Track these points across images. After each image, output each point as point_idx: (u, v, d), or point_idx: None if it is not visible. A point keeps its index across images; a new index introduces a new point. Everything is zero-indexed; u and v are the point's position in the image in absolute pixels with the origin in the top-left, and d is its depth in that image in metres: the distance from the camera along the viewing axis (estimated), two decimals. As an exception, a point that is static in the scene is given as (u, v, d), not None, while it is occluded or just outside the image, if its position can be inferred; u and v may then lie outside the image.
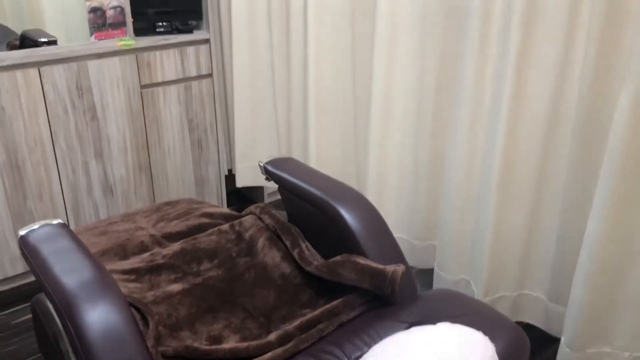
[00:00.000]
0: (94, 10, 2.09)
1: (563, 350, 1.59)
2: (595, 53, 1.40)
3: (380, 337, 1.17)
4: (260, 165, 1.66)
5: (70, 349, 1.13)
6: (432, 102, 1.92)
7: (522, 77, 1.57)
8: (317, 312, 1.26)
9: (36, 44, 2.03)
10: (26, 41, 2.04)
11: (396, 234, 2.18)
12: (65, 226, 1.30)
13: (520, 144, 1.66)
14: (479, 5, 1.61)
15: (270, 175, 1.63)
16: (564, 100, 1.57)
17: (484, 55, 1.66)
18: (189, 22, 2.33)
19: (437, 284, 2.04)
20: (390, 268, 1.26)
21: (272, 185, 2.62)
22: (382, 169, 2.11)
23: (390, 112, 2.03)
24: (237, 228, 1.59)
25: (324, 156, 2.34)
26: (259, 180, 2.64)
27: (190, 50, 2.28)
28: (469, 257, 1.92)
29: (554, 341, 1.82)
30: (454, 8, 1.78)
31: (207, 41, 2.31)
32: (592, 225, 1.43)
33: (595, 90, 1.44)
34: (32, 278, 2.21)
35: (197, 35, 2.29)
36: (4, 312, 2.04)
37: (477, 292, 1.84)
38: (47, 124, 2.03)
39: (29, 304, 2.08)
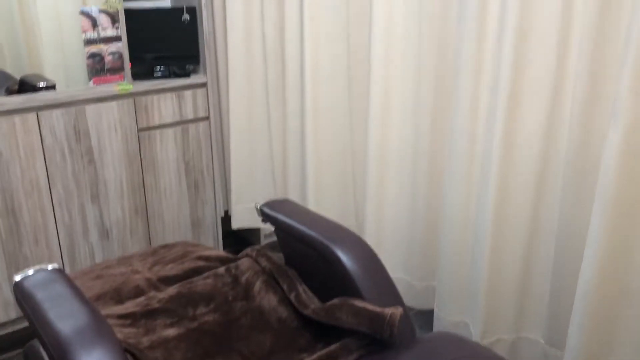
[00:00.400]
0: (92, 55, 2.13)
1: (564, 393, 1.57)
2: (584, 95, 1.43)
3: (379, 382, 1.15)
4: (256, 208, 1.66)
5: (63, 398, 1.11)
6: (427, 149, 1.94)
7: (512, 120, 1.60)
8: (314, 356, 1.24)
9: (35, 88, 2.05)
10: (25, 86, 2.07)
11: (395, 275, 2.17)
12: (60, 271, 1.29)
13: (512, 188, 1.67)
14: (468, 62, 1.65)
15: (266, 218, 1.63)
16: (554, 144, 1.59)
17: (475, 101, 1.70)
18: (187, 66, 2.37)
19: (437, 326, 2.02)
20: (388, 311, 1.25)
21: (268, 227, 2.62)
22: (380, 209, 2.11)
23: (387, 154, 2.05)
24: (233, 271, 1.58)
25: (322, 197, 2.35)
26: (255, 221, 2.64)
27: (188, 93, 2.31)
28: (468, 299, 1.91)
29: (555, 384, 1.79)
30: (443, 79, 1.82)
31: (204, 85, 2.34)
32: (585, 269, 1.43)
33: (584, 131, 1.46)
34: (26, 324, 2.18)
35: (194, 79, 2.33)
36: (-5, 359, 2.01)
37: (475, 334, 1.82)
38: (44, 168, 2.04)
39: (22, 350, 2.05)
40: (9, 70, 2.09)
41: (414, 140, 1.98)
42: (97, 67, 2.14)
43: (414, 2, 1.86)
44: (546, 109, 1.57)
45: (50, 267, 1.29)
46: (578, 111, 1.47)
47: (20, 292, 1.22)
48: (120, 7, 2.12)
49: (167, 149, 2.32)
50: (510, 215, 1.70)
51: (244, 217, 2.64)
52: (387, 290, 1.37)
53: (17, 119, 1.95)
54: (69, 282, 1.24)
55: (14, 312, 2.08)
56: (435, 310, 2.01)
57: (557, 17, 1.48)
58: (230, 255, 1.69)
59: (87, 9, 2.09)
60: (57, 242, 2.12)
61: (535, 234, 1.70)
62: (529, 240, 1.71)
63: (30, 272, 1.27)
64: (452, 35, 1.78)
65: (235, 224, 2.64)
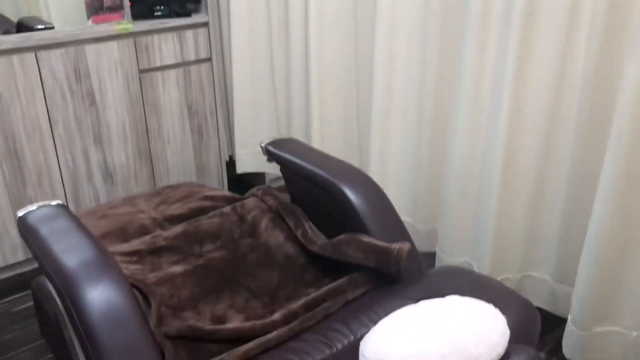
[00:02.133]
0: (90, -7, 2.06)
1: (570, 329, 1.57)
2: (601, 31, 1.37)
3: (386, 314, 1.15)
4: (261, 146, 1.64)
5: (71, 330, 1.11)
6: (435, 84, 1.90)
7: (525, 52, 1.55)
8: (321, 291, 1.24)
9: (32, 30, 2.00)
10: (23, 29, 2.02)
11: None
12: (64, 207, 1.28)
13: (524, 123, 1.63)
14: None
15: (272, 156, 1.61)
16: (568, 81, 1.54)
17: (485, 36, 1.64)
18: (187, 5, 2.30)
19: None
20: (395, 246, 1.24)
21: (273, 171, 2.60)
22: (384, 152, 2.09)
23: (392, 94, 2.01)
24: (239, 210, 1.57)
25: (326, 140, 2.32)
26: (260, 166, 2.62)
27: (189, 34, 2.25)
28: (472, 240, 1.90)
29: (559, 323, 1.80)
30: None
31: (205, 24, 2.28)
32: (598, 206, 1.41)
33: (601, 66, 1.41)
34: (33, 265, 2.19)
35: (195, 18, 2.26)
36: (5, 300, 2.03)
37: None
38: (45, 109, 2.01)
39: (30, 291, 2.07)
40: (6, 13, 2.04)
41: (419, 79, 1.94)
42: (96, 5, 2.08)
43: None
44: (561, 42, 1.52)
45: (54, 202, 1.28)
46: (595, 46, 1.41)
47: (24, 227, 1.21)
48: (117, -58, 2.04)
49: (169, 91, 2.27)
50: (520, 154, 1.67)
51: (248, 162, 2.62)
52: (395, 227, 1.36)
53: (15, 59, 1.91)
54: (73, 217, 1.23)
55: (21, 254, 2.09)
56: (438, 252, 2.01)
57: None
58: (236, 195, 1.68)
59: (83, -56, 2.01)
60: (61, 184, 2.11)
61: (546, 174, 1.67)
62: (540, 180, 1.69)
63: (34, 207, 1.26)
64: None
65: (240, 169, 2.62)
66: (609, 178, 1.37)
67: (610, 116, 1.44)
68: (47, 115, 2.01)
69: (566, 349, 1.61)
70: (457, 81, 1.75)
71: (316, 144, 2.28)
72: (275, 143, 1.62)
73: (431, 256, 2.16)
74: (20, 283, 2.12)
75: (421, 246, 2.18)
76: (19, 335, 1.85)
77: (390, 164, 2.11)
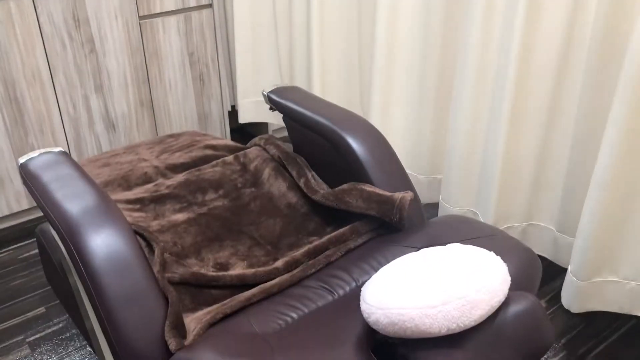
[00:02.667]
0: None
1: (570, 279, 1.59)
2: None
3: (388, 262, 1.16)
4: (264, 94, 1.61)
5: (76, 276, 1.12)
6: (440, 27, 1.85)
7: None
8: (324, 239, 1.24)
9: (29, -28, 1.95)
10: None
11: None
12: (65, 154, 1.27)
13: (532, 71, 1.60)
14: None
15: (274, 105, 1.59)
16: (580, 20, 1.50)
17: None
18: (187, -51, 2.23)
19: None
20: (398, 195, 1.24)
21: (276, 122, 2.58)
22: (386, 101, 2.06)
23: (395, 40, 1.97)
24: (241, 159, 1.56)
25: (328, 88, 2.29)
26: (262, 115, 2.60)
27: (189, -22, 2.20)
28: (476, 189, 1.90)
29: (561, 272, 1.82)
30: None
31: (206, -31, 2.22)
32: (602, 157, 1.40)
33: (612, 13, 1.37)
34: (38, 213, 2.21)
35: (196, -37, 2.20)
36: (11, 247, 2.05)
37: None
38: (45, 57, 1.98)
39: (35, 238, 2.09)
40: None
41: (425, 21, 1.89)
42: (93, -52, 2.02)
43: None
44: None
45: (55, 150, 1.27)
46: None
47: (26, 174, 1.21)
48: None
49: (170, 38, 2.23)
50: (527, 101, 1.64)
51: (250, 111, 2.59)
52: (397, 176, 1.35)
53: (12, 4, 1.87)
54: (75, 164, 1.22)
55: (26, 202, 2.10)
56: (441, 202, 2.01)
57: None
58: (238, 145, 1.67)
59: None
60: (63, 133, 2.10)
61: (553, 122, 1.66)
62: (546, 129, 1.67)
63: (35, 154, 1.25)
64: None
65: (243, 118, 2.60)
66: (615, 129, 1.35)
67: (619, 65, 1.41)
68: (46, 63, 1.99)
69: (565, 299, 1.63)
70: (465, 23, 1.71)
71: (317, 91, 2.25)
72: (277, 91, 1.60)
73: (434, 207, 2.17)
74: (26, 231, 2.14)
75: (423, 197, 2.18)
76: (26, 282, 1.88)
77: (392, 112, 2.09)
